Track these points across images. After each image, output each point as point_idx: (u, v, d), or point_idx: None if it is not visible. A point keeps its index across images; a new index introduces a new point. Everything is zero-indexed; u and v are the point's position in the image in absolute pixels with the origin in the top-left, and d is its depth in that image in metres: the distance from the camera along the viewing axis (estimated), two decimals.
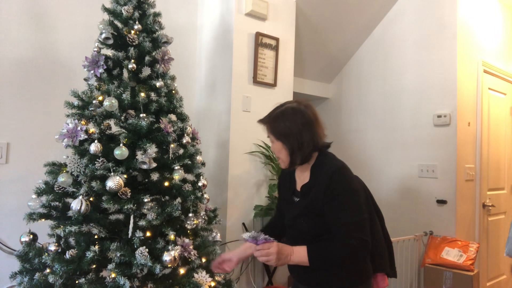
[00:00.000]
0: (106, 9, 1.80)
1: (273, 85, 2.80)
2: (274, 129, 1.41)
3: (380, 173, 3.28)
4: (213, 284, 1.73)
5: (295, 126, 1.36)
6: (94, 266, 1.53)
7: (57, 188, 1.62)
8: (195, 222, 1.72)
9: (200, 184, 1.85)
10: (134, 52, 1.75)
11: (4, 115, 2.13)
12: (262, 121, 1.47)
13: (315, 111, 1.43)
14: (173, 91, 1.87)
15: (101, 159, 1.56)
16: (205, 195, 1.88)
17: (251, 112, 2.68)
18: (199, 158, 1.89)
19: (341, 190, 1.30)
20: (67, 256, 1.51)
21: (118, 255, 1.48)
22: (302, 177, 1.45)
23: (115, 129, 1.77)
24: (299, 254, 1.31)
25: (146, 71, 1.79)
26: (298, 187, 1.45)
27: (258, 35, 2.68)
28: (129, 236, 1.53)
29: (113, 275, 1.43)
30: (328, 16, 3.16)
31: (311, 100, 4.02)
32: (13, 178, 2.14)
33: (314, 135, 1.37)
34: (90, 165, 1.57)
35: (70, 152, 1.64)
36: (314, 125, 1.38)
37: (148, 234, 1.56)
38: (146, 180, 1.76)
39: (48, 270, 1.54)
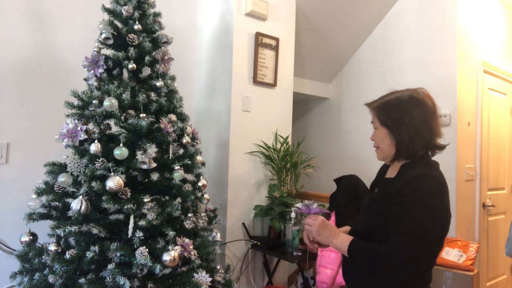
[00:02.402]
0: (106, 9, 1.80)
1: (273, 85, 2.80)
2: (382, 114, 1.26)
3: None
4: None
5: (408, 116, 1.20)
6: (94, 266, 1.53)
7: (57, 188, 1.62)
8: (199, 222, 1.72)
9: (200, 184, 1.85)
10: (134, 52, 1.75)
11: (4, 115, 2.13)
12: (370, 104, 1.31)
13: (435, 103, 1.25)
14: (173, 91, 1.87)
15: (101, 159, 1.56)
16: (205, 195, 1.88)
17: (251, 112, 2.68)
18: (199, 158, 1.89)
19: (412, 200, 1.12)
20: (67, 256, 1.51)
21: (118, 255, 1.48)
22: (391, 172, 1.32)
23: (115, 129, 1.77)
24: (342, 240, 1.23)
25: (146, 71, 1.79)
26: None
27: (258, 35, 2.68)
28: (129, 236, 1.53)
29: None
30: (328, 16, 3.16)
31: (311, 100, 4.03)
32: (13, 178, 2.14)
33: (430, 130, 1.21)
34: (90, 165, 1.57)
35: (70, 152, 1.64)
36: (432, 119, 1.21)
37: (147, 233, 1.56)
38: (146, 180, 1.76)
39: (48, 270, 1.54)
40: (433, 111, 1.23)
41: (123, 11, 1.77)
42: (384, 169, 1.42)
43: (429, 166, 1.21)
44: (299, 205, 1.32)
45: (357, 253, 1.19)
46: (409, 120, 1.20)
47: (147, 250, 1.47)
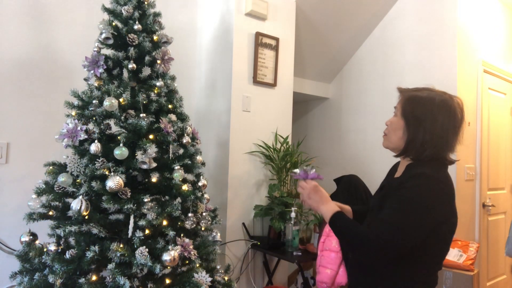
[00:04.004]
0: (106, 9, 1.80)
1: (273, 85, 2.80)
2: (408, 105, 1.20)
3: (380, 173, 3.26)
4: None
5: (432, 121, 1.14)
6: (94, 266, 1.53)
7: (57, 188, 1.62)
8: (201, 223, 1.72)
9: (200, 184, 1.85)
10: (134, 52, 1.75)
11: (4, 115, 2.13)
12: (403, 90, 1.26)
13: (464, 116, 1.19)
14: (173, 91, 1.87)
15: (101, 159, 1.56)
16: (205, 195, 1.88)
17: (251, 112, 2.68)
18: (199, 158, 1.89)
19: (409, 193, 1.11)
20: (67, 256, 1.51)
21: (118, 255, 1.48)
22: (399, 172, 1.28)
23: (115, 129, 1.77)
24: (329, 208, 1.23)
25: (146, 71, 1.79)
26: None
27: (258, 35, 2.68)
28: (129, 236, 1.53)
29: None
30: (328, 16, 3.16)
31: (311, 100, 4.03)
32: (13, 178, 2.14)
33: (446, 142, 1.16)
34: (90, 165, 1.57)
35: (70, 152, 1.64)
36: (453, 132, 1.16)
37: (147, 232, 1.56)
38: (146, 180, 1.76)
39: (48, 270, 1.54)
40: (458, 124, 1.17)
41: (123, 11, 1.77)
42: (393, 170, 1.39)
43: (436, 168, 1.16)
44: (297, 170, 1.32)
45: (338, 223, 1.19)
46: (431, 124, 1.15)
47: (147, 250, 1.48)
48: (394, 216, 1.10)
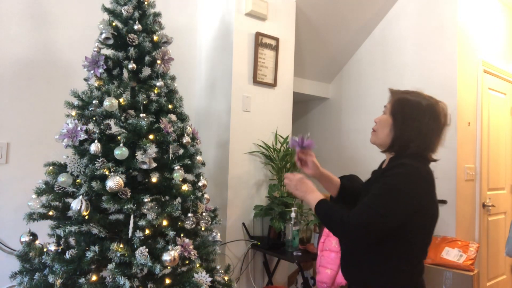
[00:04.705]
0: (106, 9, 1.80)
1: (273, 85, 2.80)
2: (397, 105, 1.29)
3: None
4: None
5: (418, 122, 1.24)
6: (94, 266, 1.53)
7: (57, 188, 1.62)
8: (201, 222, 1.73)
9: (200, 184, 1.85)
10: (134, 52, 1.75)
11: (4, 115, 2.13)
12: (394, 91, 1.35)
13: (447, 122, 1.32)
14: (173, 91, 1.87)
15: (101, 159, 1.56)
16: (205, 195, 1.88)
17: (251, 112, 2.68)
18: (199, 158, 1.89)
19: (389, 180, 1.19)
20: (67, 256, 1.51)
21: (118, 255, 1.48)
22: (385, 162, 1.39)
23: (115, 129, 1.77)
24: (314, 196, 1.30)
25: (146, 71, 1.79)
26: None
27: (258, 35, 2.68)
28: (129, 236, 1.53)
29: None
30: (328, 16, 3.16)
31: (311, 100, 4.03)
32: (13, 178, 2.14)
33: (430, 143, 1.26)
34: (90, 165, 1.57)
35: (70, 152, 1.64)
36: (436, 135, 1.28)
37: (147, 231, 1.56)
38: (146, 180, 1.76)
39: (48, 270, 1.54)
40: (441, 127, 1.28)
41: (123, 11, 1.77)
42: (382, 164, 1.48)
43: (417, 160, 1.23)
44: (295, 137, 1.45)
45: (322, 209, 1.26)
46: (416, 125, 1.24)
47: (147, 250, 1.48)
48: (374, 200, 1.17)
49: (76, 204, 1.49)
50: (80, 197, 1.51)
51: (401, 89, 1.36)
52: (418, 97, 1.29)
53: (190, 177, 1.87)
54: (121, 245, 1.50)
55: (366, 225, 1.15)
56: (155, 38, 1.83)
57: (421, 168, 1.22)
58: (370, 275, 1.26)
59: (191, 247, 1.63)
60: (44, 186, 1.63)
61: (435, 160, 1.30)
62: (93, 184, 1.51)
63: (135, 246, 1.49)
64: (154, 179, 1.66)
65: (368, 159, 3.38)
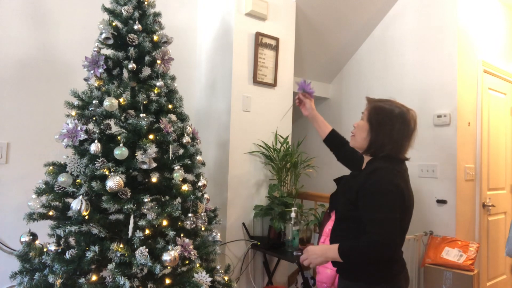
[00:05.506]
0: (106, 9, 1.80)
1: (273, 85, 2.80)
2: (373, 112, 1.42)
3: None
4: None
5: (390, 127, 1.38)
6: (94, 266, 1.53)
7: (57, 188, 1.62)
8: (199, 222, 1.73)
9: (200, 184, 1.85)
10: (134, 52, 1.75)
11: (4, 115, 2.13)
12: (370, 99, 1.49)
13: (416, 127, 1.45)
14: (173, 91, 1.87)
15: (101, 159, 1.56)
16: (205, 195, 1.88)
17: (251, 112, 2.68)
18: (199, 158, 1.89)
19: (373, 190, 1.32)
20: (67, 256, 1.51)
21: (118, 255, 1.48)
22: (364, 163, 1.50)
23: (115, 129, 1.77)
24: (332, 250, 1.36)
25: (146, 71, 1.79)
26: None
27: (258, 35, 2.68)
28: (129, 236, 1.53)
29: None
30: (328, 16, 3.16)
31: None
32: (13, 178, 2.14)
33: (401, 146, 1.40)
34: (90, 165, 1.57)
35: (70, 152, 1.64)
36: (406, 139, 1.41)
37: (147, 231, 1.56)
38: (146, 180, 1.76)
39: (48, 270, 1.54)
40: (410, 133, 1.42)
41: (123, 11, 1.77)
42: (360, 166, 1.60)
43: (389, 161, 1.39)
44: (302, 80, 1.59)
45: (346, 251, 1.34)
46: (389, 130, 1.39)
47: (147, 250, 1.48)
48: (376, 211, 1.29)
49: (76, 204, 1.49)
50: (80, 197, 1.51)
51: (376, 98, 1.50)
52: (391, 105, 1.42)
53: (190, 177, 1.87)
54: (121, 245, 1.50)
55: (388, 233, 1.27)
56: (155, 38, 1.83)
57: (390, 167, 1.37)
58: (361, 270, 1.37)
59: (191, 247, 1.63)
60: (44, 186, 1.63)
61: (407, 159, 1.45)
62: (93, 184, 1.51)
63: (135, 246, 1.49)
64: (154, 179, 1.66)
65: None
